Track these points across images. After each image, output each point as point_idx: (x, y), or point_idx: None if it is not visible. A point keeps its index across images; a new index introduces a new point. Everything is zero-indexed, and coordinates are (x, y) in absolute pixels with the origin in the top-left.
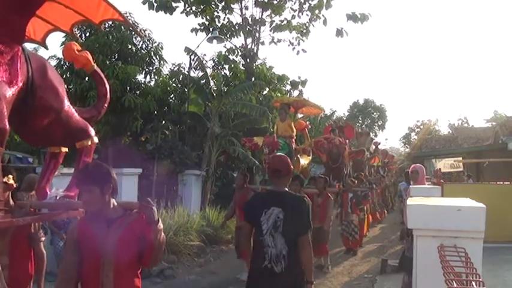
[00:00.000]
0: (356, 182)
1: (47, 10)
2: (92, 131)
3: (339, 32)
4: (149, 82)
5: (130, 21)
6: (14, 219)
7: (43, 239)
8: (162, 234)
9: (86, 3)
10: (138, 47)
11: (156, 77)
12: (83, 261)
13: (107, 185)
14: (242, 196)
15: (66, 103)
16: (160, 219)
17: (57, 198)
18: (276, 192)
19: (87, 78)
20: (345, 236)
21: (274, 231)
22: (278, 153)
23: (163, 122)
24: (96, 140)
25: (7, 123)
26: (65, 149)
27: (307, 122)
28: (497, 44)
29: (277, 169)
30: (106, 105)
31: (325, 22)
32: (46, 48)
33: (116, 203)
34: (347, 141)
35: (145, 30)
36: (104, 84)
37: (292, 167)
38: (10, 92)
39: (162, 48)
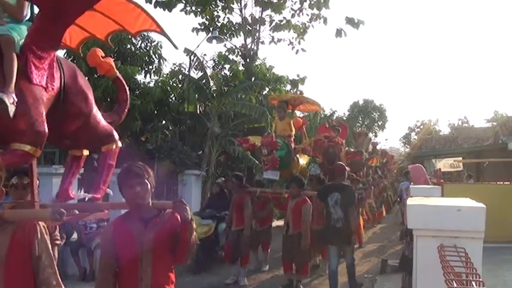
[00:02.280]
0: (351, 183)
1: (85, 18)
2: (116, 135)
3: (339, 33)
4: (149, 83)
5: None
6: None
7: (58, 242)
8: (194, 232)
9: (125, 14)
10: (137, 46)
11: (156, 77)
12: (120, 259)
13: (152, 184)
14: (239, 198)
15: (95, 108)
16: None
17: (86, 200)
18: (336, 184)
19: (86, 79)
20: None
21: (335, 205)
22: (338, 163)
23: (164, 122)
24: (120, 144)
25: (46, 127)
26: (86, 152)
27: (306, 119)
28: (497, 44)
29: (336, 171)
30: (126, 110)
31: (325, 21)
32: (81, 55)
33: (151, 203)
34: (343, 141)
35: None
36: (125, 90)
37: (346, 169)
38: (46, 96)
39: (161, 47)
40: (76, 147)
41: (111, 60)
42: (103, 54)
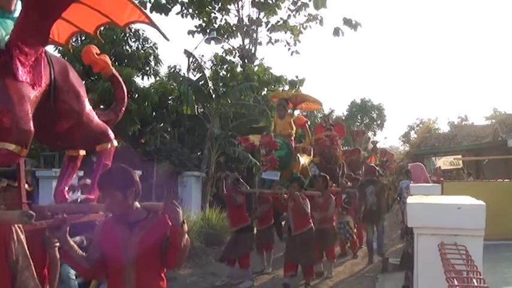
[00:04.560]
0: (349, 182)
1: (72, 12)
2: (112, 134)
3: (336, 31)
4: (147, 87)
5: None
6: (38, 222)
7: (57, 244)
8: (187, 236)
9: (112, 5)
10: (133, 48)
11: (153, 78)
12: (108, 262)
13: (130, 189)
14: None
15: (87, 106)
16: (185, 222)
17: (79, 201)
18: (370, 179)
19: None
20: (341, 240)
21: (371, 194)
22: (369, 165)
23: (162, 124)
24: (115, 143)
25: (32, 125)
26: (82, 152)
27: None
28: (496, 42)
29: (368, 171)
30: (123, 108)
31: (321, 22)
32: (69, 50)
33: (138, 205)
34: (339, 140)
35: (138, 30)
36: (121, 88)
37: (375, 168)
38: (33, 94)
39: (156, 48)
40: (70, 147)
41: (106, 57)
42: (98, 51)
